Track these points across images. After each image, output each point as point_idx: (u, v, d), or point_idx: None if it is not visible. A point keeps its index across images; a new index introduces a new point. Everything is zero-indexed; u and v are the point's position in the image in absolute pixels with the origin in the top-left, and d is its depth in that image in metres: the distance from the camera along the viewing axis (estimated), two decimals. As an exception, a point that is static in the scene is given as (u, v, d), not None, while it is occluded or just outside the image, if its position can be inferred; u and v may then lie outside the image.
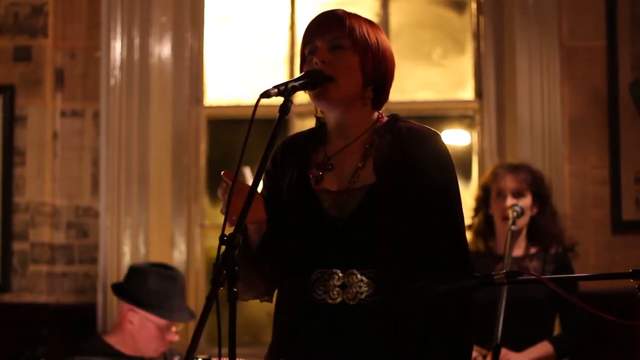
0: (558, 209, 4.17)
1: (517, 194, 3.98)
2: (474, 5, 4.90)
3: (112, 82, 4.69)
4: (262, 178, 2.47)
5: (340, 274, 2.34)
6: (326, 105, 2.41)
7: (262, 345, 4.13)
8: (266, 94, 2.20)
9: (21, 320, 4.61)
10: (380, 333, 2.31)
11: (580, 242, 4.19)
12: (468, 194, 4.50)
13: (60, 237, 4.71)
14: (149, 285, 4.09)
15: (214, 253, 2.07)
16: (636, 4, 4.59)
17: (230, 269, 2.02)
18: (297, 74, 2.40)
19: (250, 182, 2.27)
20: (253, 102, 2.17)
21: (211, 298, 1.99)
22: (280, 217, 2.40)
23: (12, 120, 4.70)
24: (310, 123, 2.59)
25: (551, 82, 4.58)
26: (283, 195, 2.45)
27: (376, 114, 2.47)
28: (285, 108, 2.22)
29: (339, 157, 2.43)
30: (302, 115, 4.84)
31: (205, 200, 4.93)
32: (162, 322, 4.08)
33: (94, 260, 4.67)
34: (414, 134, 2.41)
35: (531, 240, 4.04)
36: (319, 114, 2.51)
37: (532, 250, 4.02)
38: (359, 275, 2.33)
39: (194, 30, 4.95)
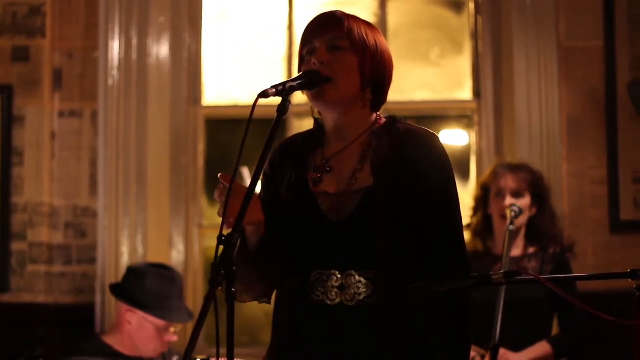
0: (556, 209, 4.17)
1: (517, 194, 3.98)
2: (471, 5, 4.90)
3: (110, 82, 4.68)
4: (260, 180, 2.47)
5: (339, 275, 2.34)
6: (324, 106, 2.42)
7: (261, 346, 4.15)
8: (264, 94, 2.20)
9: (19, 320, 4.61)
10: (378, 334, 2.31)
11: (579, 242, 4.19)
12: (466, 194, 4.50)
13: (58, 237, 4.71)
14: (147, 286, 4.09)
15: (212, 253, 2.07)
16: (634, 4, 4.59)
17: (229, 269, 2.03)
18: (296, 74, 2.40)
19: (248, 182, 2.27)
20: (251, 102, 2.18)
21: (209, 298, 2.00)
22: (279, 219, 2.40)
23: (10, 120, 4.70)
24: (308, 123, 2.59)
25: (549, 82, 4.58)
26: (281, 197, 2.45)
27: (374, 115, 2.47)
28: (283, 108, 2.22)
29: (337, 159, 2.43)
30: (300, 115, 4.84)
31: (203, 201, 4.93)
32: (160, 322, 4.08)
33: (92, 261, 4.67)
34: (411, 136, 2.41)
35: (529, 240, 4.04)
36: (317, 116, 2.51)
37: (531, 250, 4.02)
38: (357, 277, 2.33)
39: (192, 31, 4.95)
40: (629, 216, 4.53)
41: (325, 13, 2.46)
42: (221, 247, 2.05)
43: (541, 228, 4.02)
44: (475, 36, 4.87)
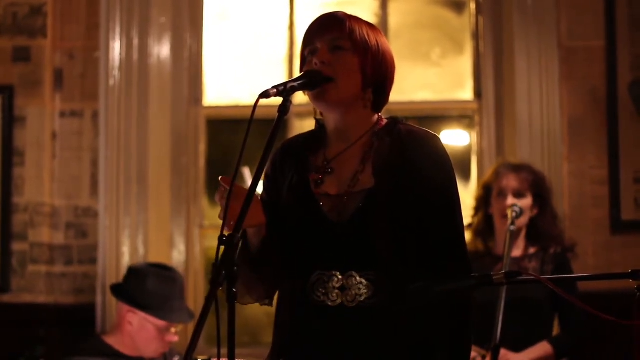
0: (557, 209, 4.17)
1: (518, 194, 3.98)
2: (472, 6, 4.90)
3: (111, 82, 4.69)
4: (262, 181, 2.47)
5: (340, 276, 2.34)
6: (325, 107, 2.42)
7: (262, 346, 4.15)
8: (265, 94, 2.20)
9: (20, 320, 4.61)
10: (379, 334, 2.31)
11: (579, 242, 4.19)
12: (467, 194, 4.50)
13: (59, 238, 4.71)
14: (147, 287, 4.09)
15: (213, 253, 2.07)
16: (635, 4, 4.59)
17: (229, 270, 2.03)
18: (297, 74, 2.40)
19: (249, 182, 2.27)
20: (252, 102, 2.17)
21: (210, 298, 2.00)
22: (280, 220, 2.40)
23: (11, 120, 4.70)
24: (309, 124, 2.59)
25: (550, 82, 4.58)
26: (283, 198, 2.45)
27: (376, 116, 2.47)
28: (284, 108, 2.22)
29: (338, 161, 2.43)
30: (302, 115, 4.84)
31: (204, 201, 4.93)
32: (161, 323, 4.08)
33: (93, 261, 4.67)
34: (413, 137, 2.41)
35: (530, 240, 4.04)
36: (319, 116, 2.51)
37: (531, 250, 4.02)
38: (358, 278, 2.33)
39: (193, 31, 4.95)
40: (630, 216, 4.53)
41: (327, 14, 2.46)
42: (222, 248, 2.05)
43: (542, 229, 4.02)
44: (476, 36, 4.87)
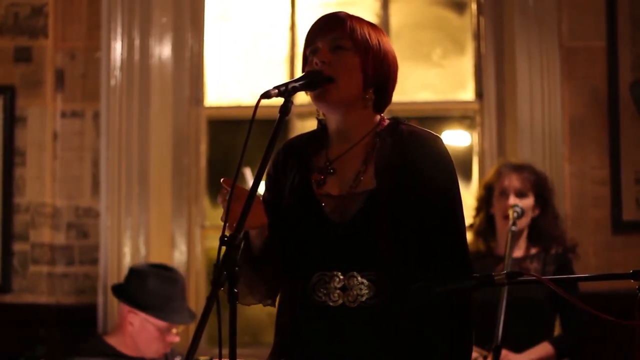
0: (558, 209, 4.16)
1: (520, 194, 3.97)
2: (474, 6, 4.90)
3: (113, 82, 4.69)
4: (263, 181, 2.47)
5: (341, 277, 2.34)
6: (326, 107, 2.42)
7: (263, 346, 4.15)
8: (266, 95, 2.20)
9: (21, 320, 4.61)
10: (380, 335, 2.31)
11: (580, 242, 4.19)
12: (468, 195, 4.50)
13: (60, 238, 4.71)
14: (149, 287, 4.09)
15: (215, 254, 2.07)
16: (636, 4, 4.59)
17: (231, 270, 2.03)
18: (298, 74, 2.40)
19: (250, 183, 2.27)
20: (253, 102, 2.18)
21: (212, 299, 2.00)
22: (282, 220, 2.40)
23: (13, 120, 4.70)
24: (310, 124, 2.59)
25: (551, 82, 4.58)
26: (284, 198, 2.45)
27: (378, 117, 2.47)
28: (285, 109, 2.22)
29: (340, 161, 2.43)
30: (303, 116, 4.85)
31: (205, 201, 4.93)
32: (162, 324, 4.08)
33: (94, 261, 4.67)
34: (414, 138, 2.41)
35: (532, 241, 4.03)
36: (321, 116, 2.51)
37: (533, 251, 4.01)
38: (359, 278, 2.33)
39: (194, 31, 4.95)
40: (631, 216, 4.53)
41: (328, 14, 2.46)
42: (223, 248, 2.05)
43: (544, 229, 4.02)
44: (477, 37, 4.87)
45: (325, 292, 2.34)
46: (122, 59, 4.71)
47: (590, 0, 4.62)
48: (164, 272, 4.17)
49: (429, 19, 5.05)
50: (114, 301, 4.39)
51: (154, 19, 4.78)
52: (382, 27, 3.45)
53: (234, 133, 5.08)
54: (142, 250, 4.66)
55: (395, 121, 2.46)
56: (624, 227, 4.54)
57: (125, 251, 4.63)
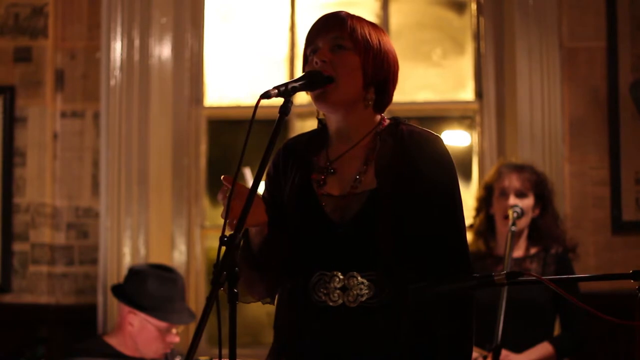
0: (558, 210, 4.16)
1: (520, 194, 3.97)
2: (474, 6, 4.90)
3: (112, 82, 4.69)
4: (264, 180, 2.47)
5: (341, 277, 2.34)
6: (327, 108, 2.42)
7: (263, 346, 4.14)
8: (266, 95, 2.20)
9: (21, 320, 4.61)
10: (380, 335, 2.31)
11: (580, 242, 4.19)
12: (468, 195, 4.50)
13: (60, 238, 4.72)
14: (148, 288, 4.09)
15: (214, 254, 2.07)
16: (636, 4, 4.59)
17: (231, 270, 2.03)
18: (298, 75, 2.40)
19: (250, 182, 2.27)
20: (253, 102, 2.18)
21: (211, 299, 2.00)
22: (282, 219, 2.40)
23: (13, 121, 4.70)
24: (310, 124, 2.60)
25: (551, 82, 4.58)
26: (285, 197, 2.45)
27: (378, 117, 2.47)
28: (285, 109, 2.22)
29: (341, 161, 2.43)
30: (303, 116, 4.85)
31: (205, 201, 4.93)
32: (161, 324, 4.08)
33: (94, 261, 4.68)
34: (415, 138, 2.41)
35: (532, 241, 4.03)
36: (321, 116, 2.51)
37: (532, 251, 4.01)
38: (359, 278, 2.33)
39: (194, 31, 4.95)
40: (631, 217, 4.53)
41: (329, 13, 2.46)
42: (223, 248, 2.05)
43: (544, 229, 4.02)
44: (477, 37, 4.87)
45: (325, 292, 2.34)
46: (122, 59, 4.71)
47: (591, 1, 4.62)
48: (164, 273, 4.17)
49: (429, 19, 5.05)
50: (113, 301, 4.39)
51: (154, 19, 4.78)
52: (382, 27, 3.45)
53: (234, 133, 5.08)
54: (142, 251, 4.66)
55: (396, 121, 2.47)
56: (624, 227, 4.53)
57: (125, 251, 4.63)
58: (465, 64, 4.93)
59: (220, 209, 2.24)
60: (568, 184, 4.56)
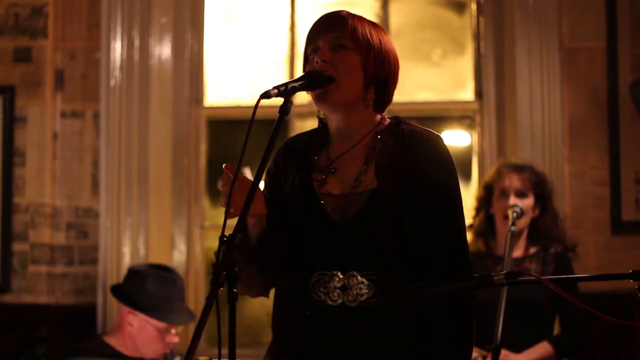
0: (558, 210, 4.16)
1: (520, 194, 3.97)
2: (474, 6, 4.90)
3: (112, 82, 4.69)
4: (263, 177, 2.47)
5: (341, 276, 2.34)
6: (327, 108, 2.42)
7: (262, 346, 4.14)
8: (266, 95, 2.20)
9: (21, 320, 4.61)
10: (380, 334, 2.31)
11: (580, 242, 4.19)
12: (468, 195, 4.50)
13: (60, 238, 4.71)
14: (147, 288, 4.09)
15: (214, 254, 2.07)
16: (636, 4, 4.59)
17: (230, 270, 2.03)
18: (298, 74, 2.40)
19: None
20: (253, 102, 2.18)
21: (211, 299, 2.00)
22: (280, 216, 2.40)
23: (12, 121, 4.70)
24: (310, 124, 2.60)
25: (551, 82, 4.58)
26: (285, 196, 2.45)
27: (379, 116, 2.47)
28: (285, 109, 2.22)
29: (341, 161, 2.43)
30: (302, 116, 4.85)
31: (205, 201, 4.93)
32: (161, 324, 4.08)
33: (94, 261, 4.67)
34: (415, 137, 2.41)
35: (531, 241, 4.03)
36: (322, 115, 2.51)
37: (532, 250, 4.01)
38: (359, 277, 2.33)
39: (194, 31, 4.95)
40: (631, 217, 4.53)
41: (330, 13, 2.46)
42: (222, 247, 2.05)
43: (543, 229, 4.01)
44: (477, 37, 4.87)
45: (324, 291, 2.34)
46: (122, 59, 4.71)
47: (591, 1, 4.62)
48: (163, 273, 4.17)
49: (428, 19, 5.05)
50: (113, 301, 4.39)
51: (154, 19, 4.78)
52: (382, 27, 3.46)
53: (233, 133, 5.08)
54: (142, 251, 4.66)
55: (396, 120, 2.46)
56: (623, 227, 4.53)
57: (124, 251, 4.63)
58: (465, 64, 4.93)
59: (220, 210, 2.24)
60: (568, 184, 4.56)
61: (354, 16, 2.43)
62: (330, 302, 2.34)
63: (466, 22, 4.96)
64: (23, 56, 4.73)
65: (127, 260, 4.60)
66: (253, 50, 5.07)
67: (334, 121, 2.46)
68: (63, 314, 4.65)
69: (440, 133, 2.45)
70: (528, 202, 3.97)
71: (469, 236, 3.31)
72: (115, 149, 4.65)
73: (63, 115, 4.76)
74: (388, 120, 2.48)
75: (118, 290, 4.18)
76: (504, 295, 3.60)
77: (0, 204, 4.67)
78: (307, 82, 2.33)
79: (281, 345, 2.40)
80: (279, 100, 2.24)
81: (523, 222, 3.95)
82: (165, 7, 4.83)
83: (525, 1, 4.61)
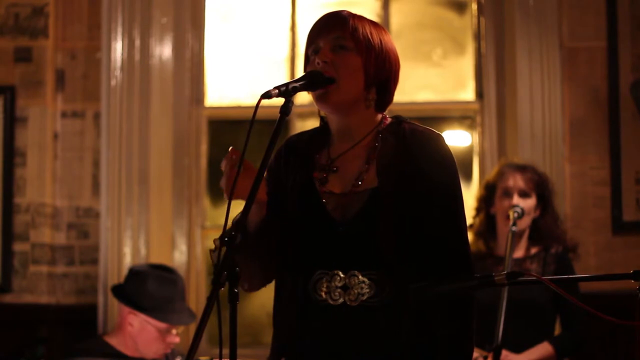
0: (558, 210, 4.16)
1: (523, 194, 3.96)
2: (474, 6, 4.90)
3: (113, 82, 4.69)
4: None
5: (342, 275, 2.34)
6: (328, 108, 2.42)
7: (263, 346, 4.15)
8: (267, 95, 2.21)
9: (22, 320, 4.61)
10: (381, 334, 2.31)
11: (581, 242, 4.18)
12: (468, 195, 4.50)
13: (60, 238, 4.71)
14: (148, 289, 4.09)
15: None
16: (637, 4, 4.58)
17: (231, 270, 2.03)
18: (299, 74, 2.40)
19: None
20: (254, 102, 2.18)
21: (212, 299, 2.00)
22: (279, 209, 2.40)
23: (13, 121, 4.70)
24: (310, 124, 2.60)
25: (552, 82, 4.58)
26: (286, 195, 2.44)
27: (380, 116, 2.47)
28: (285, 109, 2.22)
29: (342, 160, 2.43)
30: (303, 116, 4.84)
31: (206, 201, 4.93)
32: (161, 325, 4.08)
33: (94, 261, 4.67)
34: (417, 136, 2.41)
35: (532, 241, 4.03)
36: (323, 114, 2.51)
37: (533, 251, 4.01)
38: (360, 277, 2.33)
39: (195, 31, 4.95)
40: (631, 217, 4.53)
41: (330, 13, 2.46)
42: (219, 248, 2.05)
43: (544, 230, 4.01)
44: (477, 37, 4.87)
45: (326, 290, 2.34)
46: (122, 59, 4.71)
47: (591, 1, 4.62)
48: (164, 273, 4.17)
49: (429, 19, 5.05)
50: (114, 301, 4.39)
51: (154, 19, 4.78)
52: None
53: (234, 133, 5.08)
54: (143, 251, 4.66)
55: (398, 120, 2.47)
56: (624, 227, 4.53)
57: (125, 251, 4.63)
58: (466, 64, 4.93)
59: (221, 209, 2.25)
60: (568, 184, 4.56)
61: (354, 16, 2.43)
62: (331, 302, 2.34)
63: (467, 22, 4.96)
64: (23, 56, 4.73)
65: (127, 261, 4.60)
66: (253, 50, 5.07)
67: (335, 121, 2.46)
68: (63, 314, 4.65)
69: (441, 133, 2.45)
70: (530, 202, 3.97)
71: (470, 236, 3.32)
72: (116, 149, 4.65)
73: (64, 115, 4.76)
74: (389, 120, 2.48)
75: (119, 291, 4.18)
76: (505, 295, 3.60)
77: (0, 204, 4.68)
78: (308, 82, 2.33)
79: (282, 345, 2.40)
80: (280, 101, 2.24)
81: (524, 222, 3.95)
82: (166, 7, 4.83)
83: (526, 1, 4.61)
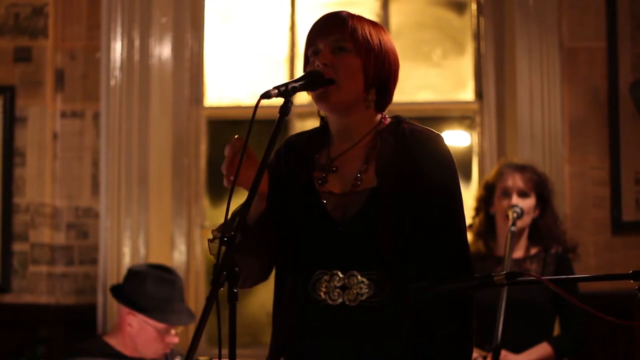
0: (558, 210, 4.16)
1: (523, 194, 3.96)
2: (474, 6, 4.90)
3: (112, 83, 4.69)
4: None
5: (341, 275, 2.34)
6: (327, 108, 2.42)
7: (262, 346, 4.14)
8: (266, 95, 2.21)
9: (21, 320, 4.61)
10: (380, 334, 2.31)
11: (581, 242, 4.18)
12: (468, 195, 4.49)
13: (60, 238, 4.71)
14: (147, 289, 4.09)
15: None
16: (636, 4, 4.58)
17: (231, 270, 2.03)
18: (299, 74, 2.40)
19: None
20: (253, 102, 2.18)
21: (211, 299, 2.00)
22: (279, 211, 2.39)
23: (12, 121, 4.70)
24: (310, 124, 2.60)
25: (551, 83, 4.58)
26: (286, 193, 2.44)
27: (379, 116, 2.47)
28: (285, 109, 2.22)
29: (342, 160, 2.43)
30: (303, 116, 4.84)
31: (205, 201, 4.93)
32: (160, 325, 4.08)
33: (94, 261, 4.67)
34: (416, 136, 2.41)
35: (532, 241, 4.03)
36: (323, 114, 2.51)
37: (532, 251, 4.01)
38: (359, 277, 2.33)
39: (194, 31, 4.95)
40: (631, 217, 4.53)
41: (330, 13, 2.46)
42: (218, 247, 2.05)
43: (544, 230, 4.01)
44: (477, 37, 4.87)
45: (325, 290, 2.34)
46: (122, 59, 4.71)
47: (591, 1, 4.62)
48: (162, 274, 4.17)
49: (429, 19, 5.05)
50: (113, 301, 4.39)
51: (154, 19, 4.78)
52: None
53: (234, 133, 5.02)
54: (142, 251, 4.66)
55: (397, 120, 2.46)
56: (624, 227, 4.53)
57: (124, 251, 4.63)
58: (465, 64, 4.93)
59: (221, 209, 2.25)
60: (568, 184, 4.56)
61: (353, 17, 2.43)
62: (330, 302, 2.34)
63: (466, 22, 4.96)
64: (23, 56, 4.73)
65: (127, 261, 4.60)
66: (253, 50, 5.07)
67: (335, 121, 2.46)
68: (63, 314, 4.65)
69: (440, 133, 2.45)
70: (530, 202, 3.97)
71: (469, 237, 3.31)
72: (116, 149, 4.65)
73: (63, 115, 4.76)
74: (389, 120, 2.48)
75: (118, 291, 4.18)
76: (504, 295, 3.59)
77: (0, 204, 4.67)
78: (307, 82, 2.33)
79: (281, 345, 2.40)
80: (279, 101, 2.24)
81: (523, 222, 3.95)
82: (165, 7, 4.83)
83: (525, 1, 4.61)
